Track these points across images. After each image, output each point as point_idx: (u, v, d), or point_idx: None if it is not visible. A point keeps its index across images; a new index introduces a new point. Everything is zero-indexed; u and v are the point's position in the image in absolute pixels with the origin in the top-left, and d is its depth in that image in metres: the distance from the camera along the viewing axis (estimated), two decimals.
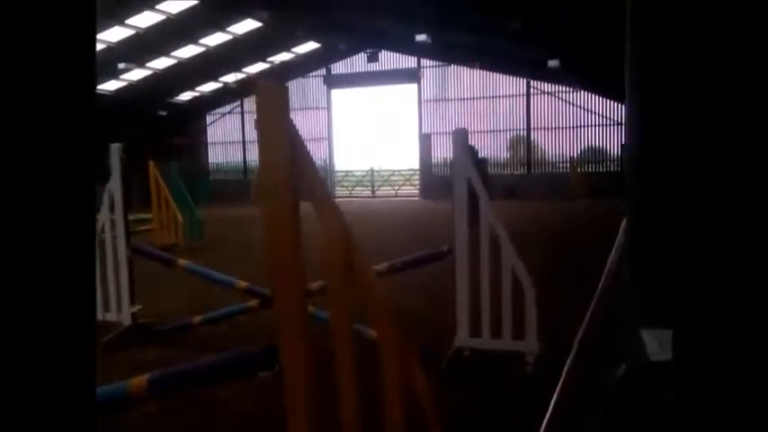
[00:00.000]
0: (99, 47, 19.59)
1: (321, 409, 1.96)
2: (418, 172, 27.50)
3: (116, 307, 5.43)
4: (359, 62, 27.94)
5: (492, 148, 26.80)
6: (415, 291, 6.59)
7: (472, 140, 24.71)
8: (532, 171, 26.59)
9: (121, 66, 21.22)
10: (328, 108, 29.14)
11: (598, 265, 2.75)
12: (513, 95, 26.60)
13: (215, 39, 21.49)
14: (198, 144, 30.80)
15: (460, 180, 4.30)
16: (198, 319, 5.15)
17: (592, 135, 25.81)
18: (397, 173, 30.52)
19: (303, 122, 27.11)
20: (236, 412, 3.76)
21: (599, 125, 25.52)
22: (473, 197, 4.30)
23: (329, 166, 28.89)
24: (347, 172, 31.16)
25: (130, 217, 5.79)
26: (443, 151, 27.00)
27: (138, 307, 5.51)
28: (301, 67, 27.42)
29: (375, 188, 28.88)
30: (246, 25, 20.72)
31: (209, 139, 31.19)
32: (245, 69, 26.20)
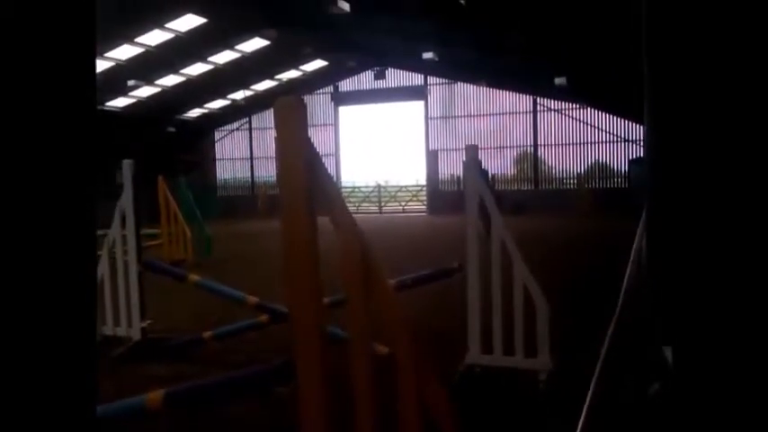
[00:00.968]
0: (109, 65, 19.81)
1: (337, 426, 1.95)
2: (425, 188, 27.53)
3: (126, 322, 5.43)
4: (366, 79, 28.11)
5: (499, 164, 26.85)
6: (425, 307, 6.57)
7: (479, 157, 24.78)
8: (539, 187, 26.57)
9: (131, 83, 21.42)
10: (335, 125, 29.28)
11: (609, 282, 2.73)
12: (519, 112, 26.67)
13: (223, 57, 21.69)
14: (206, 160, 30.97)
15: (472, 196, 4.30)
16: (208, 334, 5.14)
17: (598, 151, 25.82)
18: (403, 189, 30.57)
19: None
20: (251, 428, 3.74)
21: (605, 142, 25.53)
22: (481, 211, 4.29)
23: (336, 182, 28.95)
24: (354, 188, 31.24)
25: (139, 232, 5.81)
26: (450, 168, 27.06)
27: (149, 322, 5.51)
28: (309, 84, 27.63)
29: (382, 204, 28.91)
30: (255, 44, 20.92)
31: (218, 155, 31.37)
32: (254, 87, 26.41)
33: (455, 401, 3.82)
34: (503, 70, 22.88)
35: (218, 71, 22.82)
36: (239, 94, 26.82)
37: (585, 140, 25.81)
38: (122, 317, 5.45)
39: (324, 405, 1.99)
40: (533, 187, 26.63)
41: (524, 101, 26.46)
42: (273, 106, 2.15)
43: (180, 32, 18.33)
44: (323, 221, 2.00)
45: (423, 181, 28.30)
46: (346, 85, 28.85)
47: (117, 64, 19.79)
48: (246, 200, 28.99)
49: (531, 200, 24.99)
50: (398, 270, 5.70)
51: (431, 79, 27.44)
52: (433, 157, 27.03)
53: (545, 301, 4.15)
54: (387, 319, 2.14)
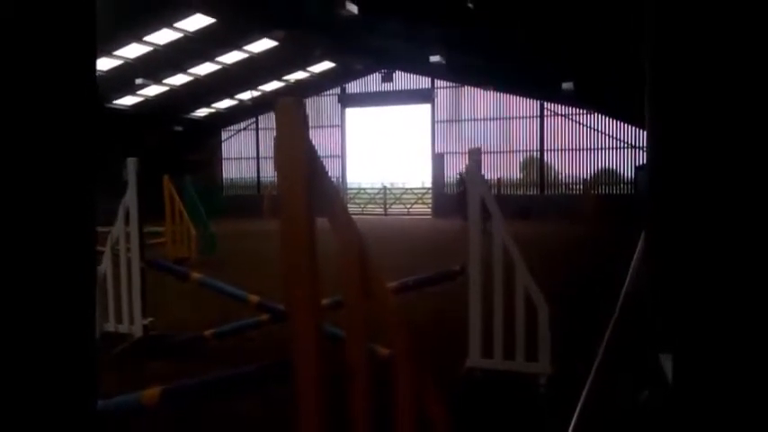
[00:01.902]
0: (117, 63, 19.90)
1: (333, 426, 1.95)
2: (430, 191, 27.54)
3: (128, 319, 5.45)
4: (373, 82, 28.14)
5: (505, 168, 26.82)
6: (426, 309, 6.56)
7: (485, 161, 24.73)
8: (545, 192, 26.52)
9: (139, 81, 21.51)
10: (342, 126, 29.32)
11: (610, 286, 2.73)
12: (526, 117, 26.64)
13: (232, 57, 21.77)
14: (213, 159, 31.06)
15: (475, 199, 4.30)
16: (210, 332, 5.15)
17: (605, 157, 25.75)
18: (409, 191, 30.56)
19: (317, 140, 27.27)
20: (249, 426, 3.74)
21: (612, 147, 25.47)
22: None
23: (342, 184, 29.00)
24: (360, 189, 31.27)
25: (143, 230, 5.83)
26: (456, 171, 27.04)
27: (150, 319, 5.53)
28: (316, 85, 27.68)
29: (387, 206, 28.92)
30: (263, 44, 20.98)
31: (224, 155, 31.47)
32: (261, 87, 26.48)
33: (455, 404, 3.82)
34: (510, 74, 22.88)
35: (226, 71, 22.89)
36: (247, 95, 26.90)
37: (592, 146, 25.76)
38: (124, 314, 5.46)
39: (321, 405, 1.99)
40: (539, 192, 26.58)
41: (531, 105, 26.42)
42: (274, 108, 2.15)
43: (188, 32, 18.41)
44: (322, 222, 2.00)
45: (428, 184, 28.31)
46: (353, 86, 28.88)
47: (125, 62, 19.89)
48: (252, 199, 29.04)
49: (536, 205, 24.94)
50: (401, 272, 5.71)
51: (438, 82, 27.44)
52: (438, 161, 27.03)
53: (546, 305, 4.14)
54: (385, 321, 2.15)
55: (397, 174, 32.39)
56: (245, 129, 30.79)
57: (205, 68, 22.52)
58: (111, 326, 5.52)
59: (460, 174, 23.87)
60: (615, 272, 3.06)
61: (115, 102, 24.00)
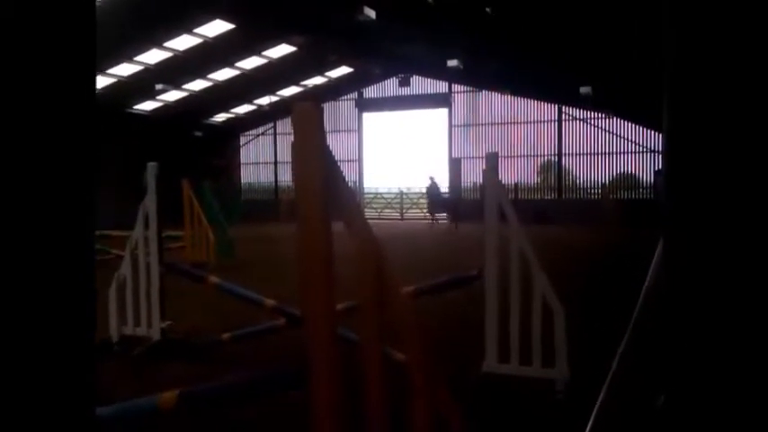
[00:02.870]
0: (137, 68, 20.14)
1: (349, 431, 1.95)
2: (448, 195, 27.48)
3: (146, 322, 5.49)
4: (390, 86, 28.18)
5: (522, 173, 26.70)
6: (442, 314, 6.54)
7: (502, 165, 24.62)
8: (563, 197, 26.34)
9: (159, 87, 21.75)
10: (359, 131, 29.38)
11: (628, 292, 2.70)
12: (544, 121, 26.50)
13: (250, 62, 21.94)
14: (231, 164, 31.30)
15: (492, 204, 4.28)
16: (226, 336, 5.18)
17: (624, 161, 25.53)
18: (426, 196, 30.53)
19: (334, 145, 27.37)
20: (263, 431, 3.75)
21: (632, 152, 25.24)
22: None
23: (359, 188, 29.06)
24: (376, 194, 31.29)
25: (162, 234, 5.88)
26: (473, 176, 26.97)
27: (169, 322, 5.57)
28: (334, 90, 27.79)
29: (404, 211, 28.91)
30: (281, 50, 21.13)
31: (243, 160, 31.69)
32: (279, 92, 26.64)
33: (471, 410, 3.80)
34: (528, 79, 22.79)
35: (245, 76, 23.07)
36: (265, 100, 27.07)
37: (611, 150, 25.54)
38: (143, 317, 5.51)
39: (336, 410, 1.99)
40: (557, 197, 26.40)
41: (549, 109, 26.28)
42: (291, 112, 2.16)
43: (208, 38, 18.59)
44: (338, 227, 2.01)
45: (445, 188, 28.26)
46: (371, 91, 28.94)
47: (145, 68, 20.12)
48: (270, 204, 29.20)
49: (554, 209, 24.78)
50: (418, 277, 5.70)
51: (455, 87, 27.41)
52: (455, 165, 26.97)
53: (563, 310, 4.11)
54: (400, 326, 2.15)
55: (413, 178, 32.32)
56: (263, 134, 30.99)
57: (224, 74, 22.71)
58: (129, 329, 5.57)
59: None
60: (633, 277, 3.03)
61: (135, 107, 24.29)
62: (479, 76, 24.04)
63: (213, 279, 5.47)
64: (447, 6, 15.42)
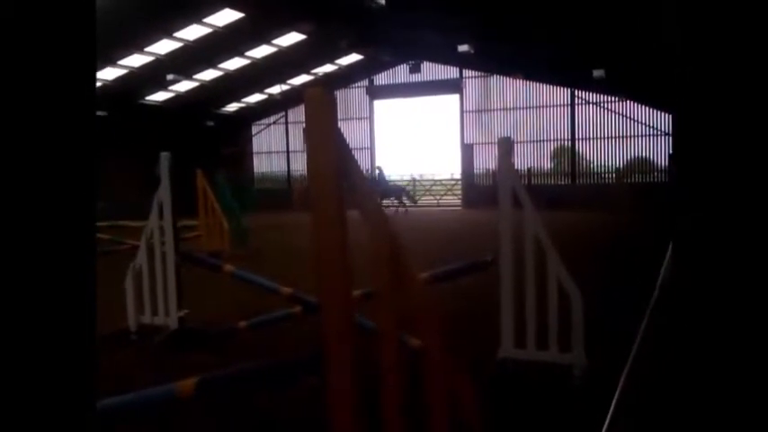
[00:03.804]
0: (148, 59, 20.19)
1: (365, 418, 1.96)
2: (460, 182, 27.41)
3: (164, 311, 5.54)
4: (401, 73, 28.06)
5: (535, 158, 26.54)
6: (456, 300, 6.54)
7: (515, 151, 24.50)
8: (577, 182, 26.17)
9: (170, 77, 21.80)
10: (370, 118, 29.33)
11: (645, 277, 2.68)
12: (557, 105, 26.29)
13: (261, 51, 21.91)
14: (244, 153, 31.39)
15: (506, 189, 4.26)
16: (243, 324, 5.22)
17: (638, 145, 25.28)
18: (438, 182, 30.48)
19: (346, 133, 27.01)
20: (280, 417, 3.78)
21: (646, 135, 24.98)
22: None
23: (371, 176, 29.07)
24: (389, 181, 31.26)
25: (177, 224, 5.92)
26: (485, 161, 26.86)
27: (186, 311, 5.61)
28: (344, 78, 27.73)
29: (417, 197, 28.89)
30: (291, 38, 21.08)
31: (255, 149, 31.77)
32: (290, 81, 26.62)
33: (487, 395, 3.81)
34: (540, 63, 22.57)
35: (256, 65, 23.07)
36: (276, 89, 27.07)
37: (625, 134, 25.31)
38: (160, 306, 5.56)
39: (353, 396, 2.00)
40: (570, 182, 26.23)
41: (562, 93, 26.06)
42: (304, 98, 2.15)
43: (217, 27, 18.57)
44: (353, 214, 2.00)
45: (458, 175, 28.19)
46: (381, 78, 28.84)
47: (156, 58, 20.17)
48: (283, 193, 29.29)
49: (567, 194, 24.63)
50: (432, 263, 5.69)
51: (466, 72, 27.24)
52: (468, 151, 26.87)
53: (580, 295, 4.09)
54: (415, 312, 2.15)
55: (426, 165, 32.28)
56: (274, 123, 31.02)
57: (235, 63, 22.72)
58: (147, 318, 5.62)
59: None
60: (650, 262, 3.02)
61: (147, 98, 24.38)
62: (491, 60, 23.84)
63: (229, 267, 5.50)
64: None
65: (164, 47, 19.56)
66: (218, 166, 17.60)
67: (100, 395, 2.91)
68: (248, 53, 21.90)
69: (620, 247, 12.02)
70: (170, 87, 23.81)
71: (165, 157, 5.54)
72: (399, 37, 22.37)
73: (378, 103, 29.36)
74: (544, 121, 26.48)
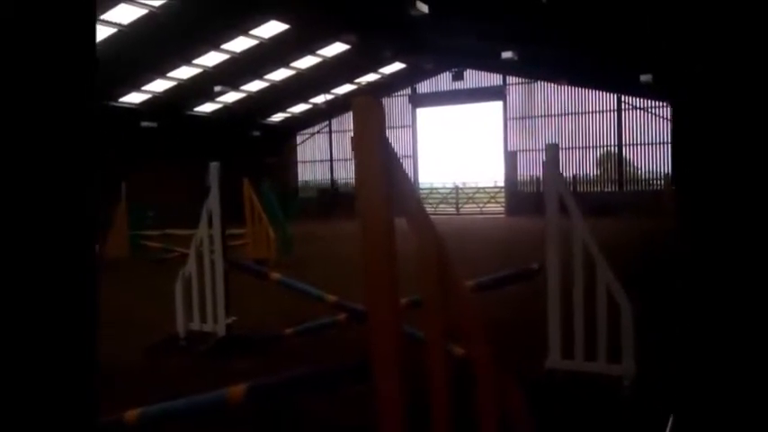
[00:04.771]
0: (197, 71, 20.68)
1: (413, 426, 1.95)
2: (503, 189, 27.17)
3: (212, 318, 5.64)
4: (444, 81, 28.06)
5: (580, 164, 26.12)
6: (501, 309, 6.47)
7: (560, 157, 24.12)
8: (624, 188, 25.61)
9: (217, 89, 22.28)
10: (413, 126, 29.37)
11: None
12: (602, 111, 25.83)
13: (305, 62, 22.23)
14: (288, 163, 31.84)
15: (552, 196, 4.20)
16: (289, 330, 5.28)
17: None
18: (481, 190, 30.28)
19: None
20: (327, 425, 3.80)
21: None
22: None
23: (414, 184, 29.10)
24: (431, 189, 31.23)
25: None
26: (529, 169, 26.56)
27: (233, 318, 5.70)
28: (387, 86, 27.87)
29: (459, 206, 28.75)
30: (335, 48, 21.32)
31: (299, 158, 32.18)
32: (334, 91, 26.91)
33: (535, 407, 3.75)
34: (585, 68, 22.23)
35: (301, 76, 23.40)
36: (320, 98, 27.39)
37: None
38: (209, 313, 5.65)
39: (401, 404, 2.00)
40: (617, 189, 25.69)
41: (608, 99, 25.60)
42: (352, 107, 2.17)
43: (263, 39, 18.92)
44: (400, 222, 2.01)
45: (501, 182, 27.94)
46: (424, 86, 28.89)
47: (204, 70, 20.65)
48: (326, 201, 29.59)
49: (614, 201, 24.11)
50: (476, 271, 5.65)
51: (510, 79, 27.05)
52: (511, 158, 26.62)
53: (629, 304, 4.00)
54: (463, 321, 2.13)
55: (468, 173, 32.14)
56: (318, 132, 31.36)
57: (280, 74, 23.09)
58: (195, 325, 5.73)
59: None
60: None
61: (195, 109, 24.96)
62: (535, 66, 23.61)
63: (275, 275, 5.57)
64: None
65: (211, 59, 20.02)
66: (264, 175, 17.86)
67: (152, 400, 2.99)
68: (293, 64, 22.24)
69: (669, 252, 11.68)
70: (217, 99, 24.33)
71: (214, 166, 5.65)
72: (442, 45, 22.37)
73: (420, 111, 29.40)
74: (589, 127, 26.04)
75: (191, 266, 5.78)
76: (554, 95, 26.61)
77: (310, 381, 2.38)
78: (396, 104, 29.40)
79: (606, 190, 25.87)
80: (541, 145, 25.93)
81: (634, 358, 4.01)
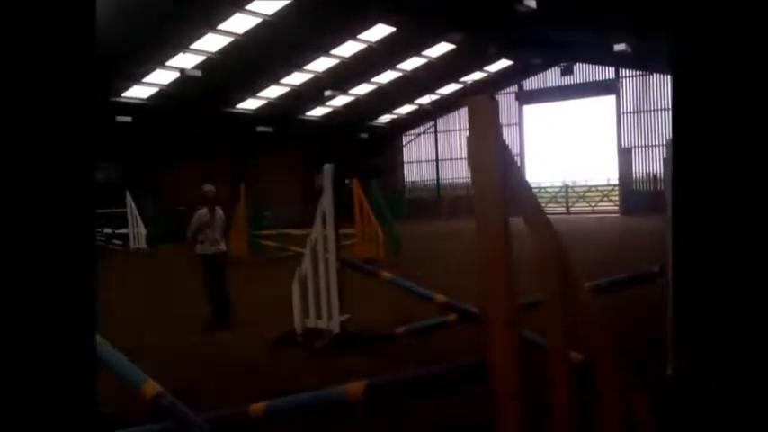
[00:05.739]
0: (308, 77, 21.40)
1: (532, 426, 1.94)
2: (617, 188, 25.97)
3: (327, 315, 5.81)
4: (552, 76, 27.28)
5: None
6: (620, 312, 6.21)
7: None
8: None
9: (327, 93, 22.95)
10: (520, 124, 28.78)
11: None
12: None
13: (411, 63, 22.40)
14: (395, 163, 32.22)
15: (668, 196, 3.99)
16: (401, 329, 5.34)
17: None
18: (593, 189, 29.12)
19: None
20: (443, 424, 3.82)
21: None
22: None
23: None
24: (540, 188, 30.44)
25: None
26: (645, 165, 25.24)
27: (347, 316, 5.84)
28: (493, 84, 27.50)
29: (569, 205, 27.82)
30: (440, 48, 21.33)
31: (405, 159, 32.47)
32: (439, 91, 26.92)
33: (658, 415, 3.58)
34: None
35: (407, 77, 23.60)
36: (425, 99, 27.49)
37: None
38: (323, 310, 5.83)
39: (519, 405, 1.99)
40: None
41: None
42: (467, 107, 2.18)
43: (371, 42, 19.26)
44: (516, 222, 2.01)
45: (614, 180, 26.74)
46: (531, 83, 28.23)
47: (315, 76, 21.33)
48: (432, 201, 29.64)
49: None
50: (592, 273, 5.46)
51: (623, 72, 25.83)
52: (625, 155, 25.40)
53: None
54: (584, 324, 2.09)
55: (578, 171, 31.00)
56: (424, 132, 31.48)
57: (387, 76, 23.41)
58: (311, 322, 5.93)
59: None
60: None
61: (307, 114, 25.84)
62: (650, 58, 22.39)
63: (385, 274, 5.67)
64: None
65: (322, 64, 20.64)
66: (371, 175, 18.20)
67: (270, 393, 3.14)
68: (400, 66, 22.47)
69: None
70: (327, 103, 25.03)
71: (327, 168, 5.81)
72: (550, 39, 21.74)
73: (527, 109, 28.76)
74: None
75: (306, 265, 5.99)
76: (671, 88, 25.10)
77: (428, 380, 2.42)
78: (502, 102, 28.88)
79: None
80: (658, 140, 24.57)
81: None
